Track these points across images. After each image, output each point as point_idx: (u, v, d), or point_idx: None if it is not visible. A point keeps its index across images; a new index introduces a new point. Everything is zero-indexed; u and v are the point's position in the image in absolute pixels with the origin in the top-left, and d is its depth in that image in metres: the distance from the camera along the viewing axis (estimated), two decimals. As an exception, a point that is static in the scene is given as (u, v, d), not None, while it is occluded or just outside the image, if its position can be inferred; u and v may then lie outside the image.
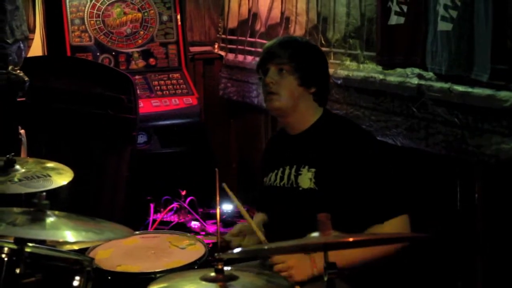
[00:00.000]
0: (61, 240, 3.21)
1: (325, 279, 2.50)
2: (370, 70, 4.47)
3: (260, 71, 3.46)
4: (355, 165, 3.22)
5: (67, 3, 6.31)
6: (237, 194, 3.61)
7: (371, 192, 3.16)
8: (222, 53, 6.75)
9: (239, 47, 6.47)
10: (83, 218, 3.20)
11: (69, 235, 3.05)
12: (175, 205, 5.94)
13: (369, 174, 3.21)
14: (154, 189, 5.92)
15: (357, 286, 3.18)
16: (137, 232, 3.86)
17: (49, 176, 3.52)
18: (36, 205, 3.01)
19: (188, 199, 5.88)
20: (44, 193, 3.14)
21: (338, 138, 3.31)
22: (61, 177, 3.57)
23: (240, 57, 6.44)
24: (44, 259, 3.20)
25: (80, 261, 3.17)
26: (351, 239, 2.55)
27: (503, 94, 3.35)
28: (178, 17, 6.61)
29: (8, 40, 4.20)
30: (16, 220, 2.95)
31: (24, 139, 4.82)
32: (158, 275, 3.15)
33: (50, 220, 3.06)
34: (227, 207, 5.74)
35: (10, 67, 4.05)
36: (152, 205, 5.80)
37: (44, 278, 3.22)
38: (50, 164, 3.70)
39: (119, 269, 3.35)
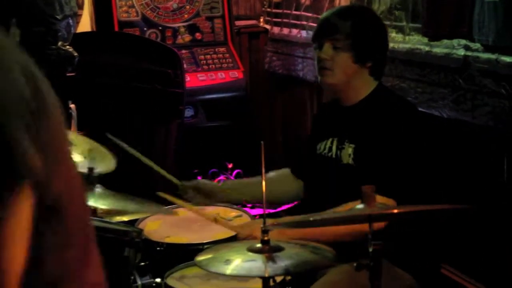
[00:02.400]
0: (112, 208, 3.27)
1: (370, 250, 2.48)
2: (415, 41, 4.42)
3: (315, 42, 3.40)
4: (392, 146, 3.17)
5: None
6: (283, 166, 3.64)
7: (404, 166, 3.12)
8: (268, 26, 6.73)
9: (285, 20, 6.44)
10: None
11: (118, 205, 3.12)
12: (222, 177, 5.96)
13: (407, 154, 3.17)
14: (201, 162, 5.93)
15: (395, 261, 3.14)
16: (185, 203, 3.82)
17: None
18: (87, 179, 3.04)
19: (235, 171, 5.89)
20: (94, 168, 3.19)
21: (383, 116, 3.26)
22: (105, 164, 3.58)
23: (286, 31, 6.40)
24: (97, 230, 3.22)
25: (129, 232, 3.19)
26: (395, 211, 2.53)
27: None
28: (223, -10, 6.59)
29: (57, 16, 4.21)
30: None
31: (74, 113, 4.85)
32: (205, 246, 3.13)
33: (99, 192, 3.12)
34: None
35: (60, 43, 4.05)
36: (199, 178, 5.80)
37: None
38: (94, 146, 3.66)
39: (167, 240, 3.38)
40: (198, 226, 3.52)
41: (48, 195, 1.44)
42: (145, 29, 6.37)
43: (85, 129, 4.70)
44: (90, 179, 3.18)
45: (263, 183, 3.08)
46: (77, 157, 3.33)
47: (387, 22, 4.68)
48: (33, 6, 4.19)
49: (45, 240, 1.46)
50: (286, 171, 3.79)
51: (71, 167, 1.55)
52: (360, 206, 2.56)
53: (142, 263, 3.30)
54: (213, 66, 6.44)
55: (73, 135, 3.85)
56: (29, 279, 1.40)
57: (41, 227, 1.44)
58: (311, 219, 3.00)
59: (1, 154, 1.32)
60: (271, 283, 2.85)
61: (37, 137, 1.38)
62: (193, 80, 6.16)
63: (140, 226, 3.41)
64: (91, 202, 3.14)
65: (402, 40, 4.55)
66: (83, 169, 3.17)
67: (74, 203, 1.54)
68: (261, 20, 6.79)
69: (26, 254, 1.39)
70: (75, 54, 3.95)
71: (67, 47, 4.01)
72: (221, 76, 6.42)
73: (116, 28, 6.30)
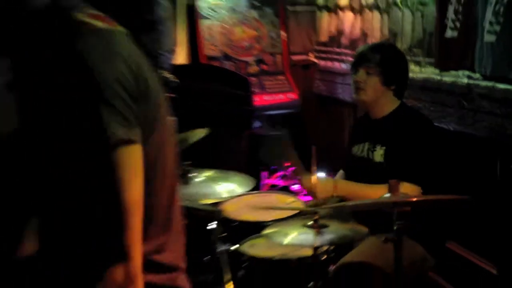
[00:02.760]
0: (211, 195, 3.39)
1: (394, 227, 2.49)
2: (429, 72, 4.41)
3: (352, 69, 3.41)
4: (414, 149, 3.18)
5: (203, 28, 6.36)
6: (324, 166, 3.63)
7: (422, 165, 3.11)
8: (316, 60, 6.71)
9: (329, 56, 6.42)
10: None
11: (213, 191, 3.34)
12: (280, 173, 5.96)
13: (422, 151, 3.17)
14: (267, 161, 5.93)
15: (412, 236, 3.12)
16: (254, 192, 3.89)
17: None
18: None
19: (290, 168, 5.87)
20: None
21: (407, 127, 3.28)
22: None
23: (329, 64, 6.39)
24: (188, 209, 3.29)
25: (214, 212, 3.30)
26: (414, 199, 2.55)
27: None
28: (283, 33, 6.60)
29: (162, 51, 4.23)
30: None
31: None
32: (269, 223, 3.16)
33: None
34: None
35: (164, 72, 4.09)
36: (265, 173, 5.83)
37: (188, 223, 3.29)
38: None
39: (241, 218, 3.40)
40: (263, 209, 3.52)
41: (148, 150, 1.49)
42: (224, 62, 6.40)
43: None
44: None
45: (313, 177, 3.10)
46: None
47: (408, 57, 4.63)
48: (143, 45, 4.21)
49: (154, 178, 1.54)
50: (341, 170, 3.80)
51: (166, 132, 1.64)
52: (387, 195, 2.58)
53: (223, 235, 3.35)
54: (275, 89, 6.46)
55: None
56: (145, 202, 1.46)
57: (149, 172, 1.49)
58: (349, 204, 3.10)
59: (96, 118, 1.36)
60: (319, 251, 2.91)
61: (134, 109, 1.45)
62: (260, 100, 6.18)
63: (221, 207, 3.43)
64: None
65: (419, 71, 4.53)
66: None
67: (167, 157, 1.62)
68: (311, 55, 6.77)
69: (142, 187, 1.43)
70: (176, 80, 3.98)
71: (170, 75, 4.04)
72: (280, 98, 6.43)
73: (204, 61, 6.35)
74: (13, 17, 1.45)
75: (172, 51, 5.27)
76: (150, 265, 1.54)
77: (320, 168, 3.63)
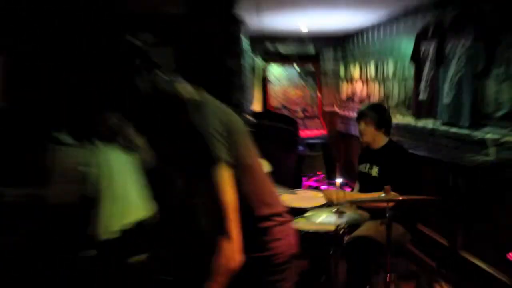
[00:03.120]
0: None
1: (387, 215, 2.47)
2: (409, 120, 4.34)
3: (356, 121, 3.39)
4: (395, 166, 3.10)
5: (271, 89, 6.44)
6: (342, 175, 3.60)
7: (402, 178, 3.02)
8: (338, 110, 6.70)
9: (346, 108, 6.40)
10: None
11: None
12: (314, 178, 5.94)
13: (401, 170, 3.07)
14: (307, 171, 5.93)
15: (405, 225, 3.11)
16: (298, 189, 3.87)
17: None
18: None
19: (321, 176, 5.86)
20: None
21: (393, 154, 3.18)
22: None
23: (346, 113, 6.36)
24: None
25: None
26: (400, 198, 2.52)
27: (476, 133, 3.24)
28: (319, 94, 6.62)
29: (247, 102, 4.26)
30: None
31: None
32: (308, 209, 3.11)
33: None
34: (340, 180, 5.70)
35: (247, 115, 4.13)
36: (304, 178, 5.83)
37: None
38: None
39: (291, 205, 3.35)
40: (306, 199, 3.49)
41: (240, 165, 1.47)
42: (283, 109, 6.46)
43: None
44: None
45: (337, 182, 3.10)
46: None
47: (395, 110, 4.62)
48: (236, 99, 4.30)
49: (247, 184, 1.51)
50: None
51: (251, 153, 1.58)
52: (382, 195, 2.56)
53: None
54: (312, 127, 6.50)
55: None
56: (240, 208, 1.43)
57: (242, 179, 1.47)
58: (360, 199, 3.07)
59: (205, 149, 1.35)
60: (339, 228, 2.90)
61: (228, 143, 1.42)
62: (303, 133, 6.22)
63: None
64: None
65: (402, 119, 4.48)
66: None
67: (256, 167, 1.57)
68: (336, 107, 6.78)
69: (235, 195, 1.40)
70: (253, 120, 3.98)
71: (249, 117, 4.06)
72: (315, 132, 6.47)
73: (271, 109, 6.42)
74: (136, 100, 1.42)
75: (251, 103, 5.32)
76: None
77: (339, 176, 3.63)
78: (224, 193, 1.37)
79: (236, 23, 3.56)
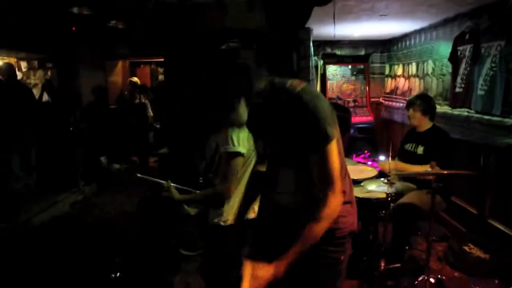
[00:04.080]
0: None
1: (432, 186, 2.40)
2: (445, 109, 4.11)
3: (406, 108, 3.27)
4: (439, 146, 2.99)
5: (328, 83, 6.34)
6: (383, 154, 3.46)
7: (445, 156, 2.91)
8: (383, 101, 6.47)
9: (390, 99, 6.16)
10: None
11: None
12: (362, 155, 5.81)
13: (444, 150, 2.97)
14: (356, 149, 5.82)
15: (442, 196, 2.96)
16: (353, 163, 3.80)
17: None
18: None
19: (368, 154, 5.71)
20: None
21: (435, 135, 3.09)
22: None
23: (390, 103, 6.12)
24: None
25: None
26: (445, 172, 2.45)
27: (506, 120, 3.04)
28: (367, 88, 6.42)
29: None
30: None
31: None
32: (362, 179, 3.05)
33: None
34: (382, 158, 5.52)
35: None
36: (354, 155, 5.71)
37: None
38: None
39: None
40: (359, 171, 3.40)
41: (338, 143, 1.41)
42: (338, 100, 6.34)
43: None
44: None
45: (390, 158, 3.00)
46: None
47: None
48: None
49: (341, 156, 1.43)
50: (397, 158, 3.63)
51: (339, 132, 1.48)
52: (429, 169, 2.49)
53: None
54: (361, 114, 6.30)
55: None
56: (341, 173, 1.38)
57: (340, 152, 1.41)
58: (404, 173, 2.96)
59: (321, 130, 1.31)
60: (389, 195, 2.83)
61: (334, 122, 1.38)
62: (354, 119, 6.08)
63: None
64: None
65: (439, 108, 4.24)
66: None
67: (340, 144, 1.47)
68: (381, 98, 6.54)
69: (340, 163, 1.37)
70: None
71: None
72: (364, 119, 6.27)
73: (328, 99, 6.32)
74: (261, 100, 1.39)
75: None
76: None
77: (382, 154, 3.52)
78: (334, 161, 1.34)
79: (307, 32, 3.53)
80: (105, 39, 5.50)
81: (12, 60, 6.34)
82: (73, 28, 5.15)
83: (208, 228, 2.07)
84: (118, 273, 2.58)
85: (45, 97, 5.72)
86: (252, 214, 2.08)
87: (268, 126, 1.41)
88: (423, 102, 3.19)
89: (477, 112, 3.52)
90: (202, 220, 2.11)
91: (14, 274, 1.99)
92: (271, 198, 1.49)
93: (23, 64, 6.67)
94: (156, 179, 1.95)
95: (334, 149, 1.36)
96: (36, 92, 5.58)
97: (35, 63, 6.63)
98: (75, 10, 2.91)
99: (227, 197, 2.00)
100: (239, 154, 1.99)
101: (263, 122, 1.45)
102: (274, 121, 1.38)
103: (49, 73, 6.53)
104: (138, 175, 1.94)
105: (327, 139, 1.33)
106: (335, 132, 1.37)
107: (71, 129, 5.34)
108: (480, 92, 3.47)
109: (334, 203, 1.34)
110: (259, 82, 1.37)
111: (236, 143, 1.97)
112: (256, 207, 1.91)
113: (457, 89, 3.89)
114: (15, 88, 4.73)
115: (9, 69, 4.81)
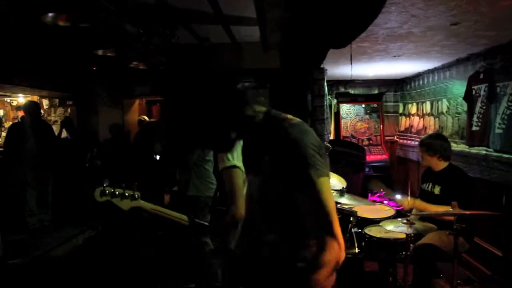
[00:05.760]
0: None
1: (454, 227, 2.33)
2: (462, 147, 4.08)
3: (420, 148, 3.23)
4: (457, 186, 2.91)
5: (342, 122, 6.37)
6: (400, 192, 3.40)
7: (463, 195, 2.83)
8: (398, 139, 6.45)
9: (404, 137, 6.14)
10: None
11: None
12: (378, 194, 5.72)
13: (462, 189, 2.88)
14: (372, 188, 5.72)
15: (464, 236, 2.87)
16: (370, 203, 3.69)
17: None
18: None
19: (383, 192, 5.62)
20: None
21: (452, 175, 3.01)
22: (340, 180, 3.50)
23: (405, 141, 6.10)
24: (342, 211, 3.15)
25: (352, 212, 3.08)
26: (468, 212, 2.38)
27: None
28: (381, 126, 6.43)
29: (326, 132, 4.19)
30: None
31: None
32: (380, 219, 3.03)
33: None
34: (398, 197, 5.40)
35: (326, 142, 4.06)
36: (369, 194, 5.63)
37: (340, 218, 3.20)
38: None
39: (364, 215, 3.24)
40: (375, 211, 3.36)
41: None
42: (352, 139, 6.34)
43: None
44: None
45: (408, 197, 2.95)
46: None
47: (449, 139, 4.36)
48: (318, 130, 4.24)
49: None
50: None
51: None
52: (450, 209, 2.43)
53: (355, 223, 3.10)
54: (376, 153, 6.28)
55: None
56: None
57: None
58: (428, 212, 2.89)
59: (303, 159, 1.23)
60: (409, 237, 2.76)
61: (322, 158, 1.26)
62: (369, 157, 6.03)
63: (354, 209, 3.17)
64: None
65: (456, 146, 4.22)
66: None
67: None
68: (395, 137, 6.52)
69: (334, 203, 1.28)
70: (330, 146, 3.83)
71: (328, 144, 3.89)
72: (379, 157, 6.24)
73: (341, 137, 6.34)
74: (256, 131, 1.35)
75: (329, 133, 5.23)
76: None
77: (398, 193, 3.45)
78: (329, 200, 1.25)
79: (321, 72, 3.60)
80: (124, 78, 5.69)
81: (35, 98, 6.57)
82: (94, 68, 5.37)
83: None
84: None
85: (64, 134, 5.86)
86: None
87: (258, 157, 1.36)
88: (437, 142, 3.11)
89: (495, 150, 3.47)
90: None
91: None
92: (258, 236, 1.40)
93: (45, 102, 6.90)
94: (174, 215, 1.88)
95: (327, 187, 1.26)
96: (55, 128, 5.73)
97: (56, 100, 6.84)
98: (100, 52, 3.03)
99: (238, 217, 1.86)
100: (235, 166, 1.93)
101: (251, 149, 1.41)
102: (263, 150, 1.33)
103: (69, 110, 6.71)
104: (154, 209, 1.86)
105: (316, 175, 1.24)
106: (325, 170, 1.27)
107: (86, 165, 5.42)
108: (498, 131, 3.44)
109: (337, 250, 1.22)
110: (252, 108, 1.34)
111: (230, 158, 1.93)
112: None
113: (474, 128, 3.87)
114: (38, 125, 4.87)
115: (35, 107, 4.98)
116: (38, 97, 6.69)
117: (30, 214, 4.66)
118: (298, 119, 1.33)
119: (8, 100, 7.30)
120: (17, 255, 2.24)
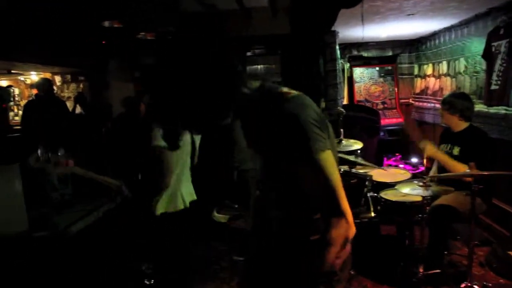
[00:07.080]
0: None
1: (472, 188, 2.30)
2: (481, 107, 3.95)
3: (441, 107, 3.12)
4: (477, 147, 2.83)
5: (355, 86, 6.24)
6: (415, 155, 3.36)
7: (483, 157, 2.77)
8: (413, 102, 6.30)
9: (420, 100, 6.00)
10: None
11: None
12: (393, 158, 5.67)
13: (482, 151, 2.81)
14: (385, 152, 5.67)
15: (482, 197, 2.82)
16: (382, 167, 3.71)
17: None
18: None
19: (399, 156, 5.57)
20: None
21: (473, 135, 2.93)
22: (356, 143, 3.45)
23: (420, 104, 5.96)
24: (357, 175, 3.17)
25: (367, 176, 3.10)
26: (486, 173, 2.34)
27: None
28: (396, 89, 6.28)
29: (339, 97, 4.11)
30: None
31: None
32: (396, 183, 2.99)
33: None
34: (414, 160, 5.34)
35: (339, 108, 4.01)
36: (384, 158, 5.59)
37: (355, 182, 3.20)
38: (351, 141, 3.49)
39: (379, 179, 3.22)
40: (390, 175, 3.34)
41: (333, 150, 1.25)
42: (366, 103, 6.23)
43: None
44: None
45: (424, 161, 2.89)
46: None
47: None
48: (332, 95, 4.14)
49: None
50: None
51: (334, 144, 1.32)
52: (467, 170, 2.39)
53: (370, 188, 3.10)
54: (391, 116, 6.18)
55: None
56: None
57: None
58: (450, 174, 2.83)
59: (302, 134, 1.18)
60: (425, 200, 2.74)
61: (323, 133, 1.22)
62: (384, 121, 5.95)
63: (369, 174, 3.20)
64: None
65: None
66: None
67: (335, 152, 1.30)
68: (410, 99, 6.38)
69: (339, 176, 1.23)
70: (343, 111, 3.78)
71: (341, 109, 3.86)
72: (394, 121, 6.14)
73: (356, 102, 6.23)
74: (257, 105, 1.27)
75: (342, 98, 5.13)
76: None
77: (412, 156, 3.39)
78: (333, 175, 1.20)
79: (333, 35, 3.48)
80: (133, 50, 5.63)
81: (48, 75, 6.59)
82: (103, 42, 5.31)
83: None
84: (152, 280, 2.61)
85: (78, 109, 5.89)
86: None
87: (255, 132, 1.31)
88: (459, 101, 3.02)
89: (515, 109, 3.37)
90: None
91: (56, 280, 2.08)
92: (267, 212, 1.37)
93: (57, 78, 6.92)
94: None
95: (330, 161, 1.21)
96: (69, 105, 5.76)
97: (68, 77, 6.85)
98: (107, 23, 2.97)
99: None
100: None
101: (249, 127, 1.35)
102: (261, 127, 1.28)
103: (81, 86, 6.73)
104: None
105: (317, 150, 1.19)
106: (326, 143, 1.22)
107: (103, 140, 5.47)
108: (517, 89, 3.32)
109: (346, 225, 1.18)
110: (246, 84, 1.28)
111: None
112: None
113: (493, 86, 3.74)
114: (51, 102, 4.91)
115: (47, 84, 5.01)
116: (50, 74, 6.71)
117: (52, 189, 4.76)
118: (295, 92, 1.26)
119: (22, 79, 7.35)
120: (42, 229, 2.36)
